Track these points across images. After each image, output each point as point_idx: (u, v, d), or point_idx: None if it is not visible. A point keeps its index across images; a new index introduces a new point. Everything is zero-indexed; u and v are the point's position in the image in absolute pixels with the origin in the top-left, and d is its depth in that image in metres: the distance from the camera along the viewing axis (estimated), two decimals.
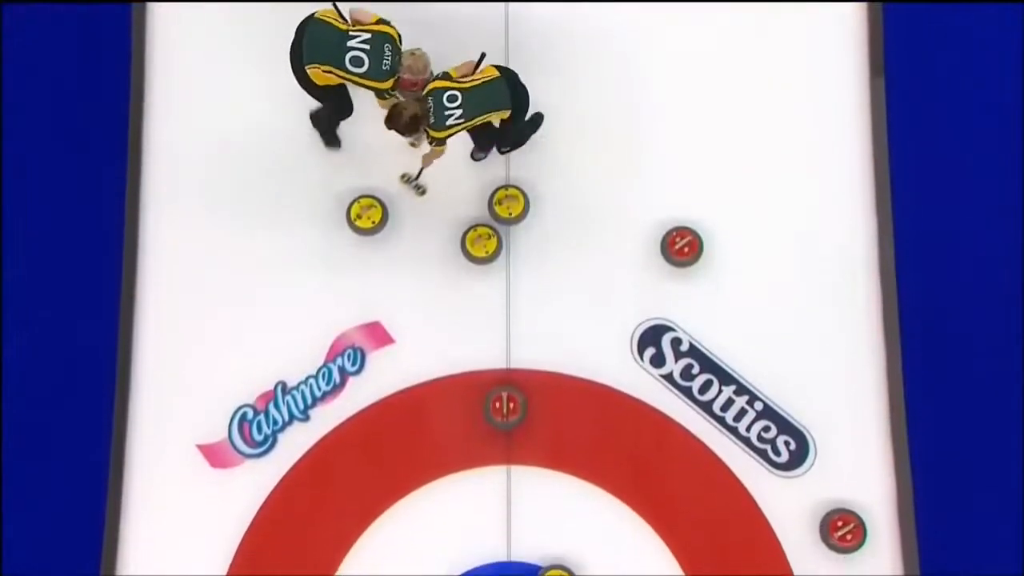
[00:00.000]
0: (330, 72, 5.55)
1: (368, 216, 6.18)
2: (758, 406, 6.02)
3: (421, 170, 6.02)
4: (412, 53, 5.57)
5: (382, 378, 6.06)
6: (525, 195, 6.17)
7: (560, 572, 5.82)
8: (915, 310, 6.13)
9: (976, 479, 5.96)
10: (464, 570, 5.88)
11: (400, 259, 6.12)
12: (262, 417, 6.02)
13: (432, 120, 5.53)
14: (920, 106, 6.31)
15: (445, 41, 5.94)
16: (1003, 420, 6.03)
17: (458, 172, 6.19)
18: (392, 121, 5.52)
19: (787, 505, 5.92)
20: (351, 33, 5.54)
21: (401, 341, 6.09)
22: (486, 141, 6.05)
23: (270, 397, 6.03)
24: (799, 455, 5.99)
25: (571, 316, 6.12)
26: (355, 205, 6.18)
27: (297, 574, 5.90)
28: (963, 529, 5.93)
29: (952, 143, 6.28)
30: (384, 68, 5.52)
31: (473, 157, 6.19)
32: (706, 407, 6.04)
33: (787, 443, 6.00)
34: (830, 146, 6.31)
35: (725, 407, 6.03)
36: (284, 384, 6.05)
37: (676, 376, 6.08)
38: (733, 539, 5.92)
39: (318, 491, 5.96)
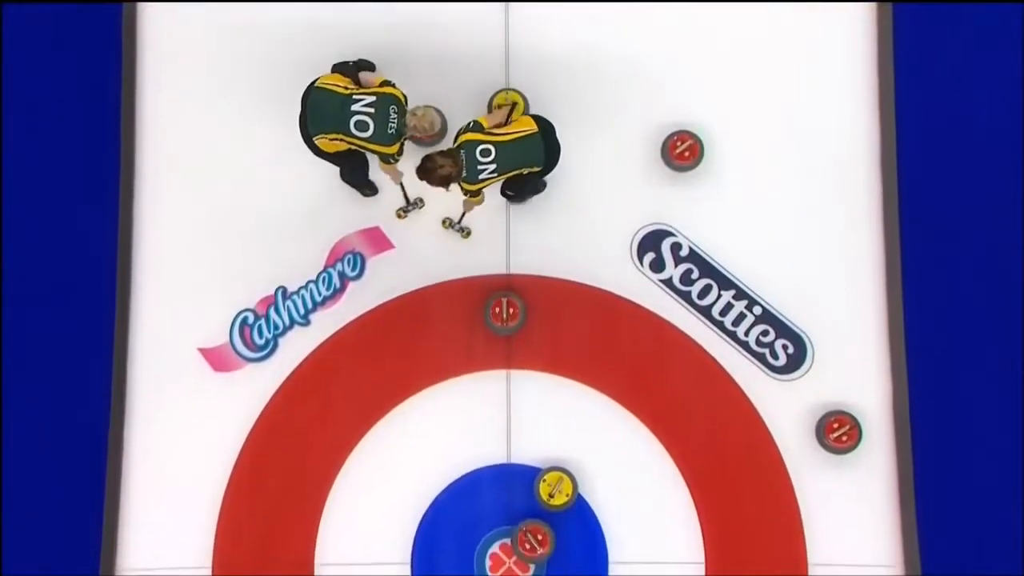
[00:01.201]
0: (336, 139, 5.43)
1: None
2: (757, 310, 6.03)
3: (463, 215, 5.97)
4: (414, 113, 5.38)
5: (382, 283, 6.07)
6: (525, 99, 6.10)
7: (559, 474, 5.87)
8: (916, 216, 6.10)
9: (972, 380, 5.99)
10: (464, 473, 5.95)
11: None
12: (263, 321, 6.04)
13: (465, 174, 5.39)
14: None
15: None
16: (1002, 323, 6.04)
17: (456, 80, 6.12)
18: (424, 175, 5.37)
19: (784, 408, 5.96)
20: (355, 97, 5.39)
21: (400, 247, 6.09)
22: (510, 187, 5.92)
23: (270, 302, 6.04)
24: (797, 359, 6.00)
25: (571, 222, 6.11)
26: None
27: (299, 477, 5.96)
28: (958, 431, 5.97)
29: (956, 38, 6.19)
30: (389, 132, 5.37)
31: (504, 194, 6.02)
32: (705, 312, 6.05)
33: (785, 347, 6.01)
34: (832, 49, 6.22)
35: (724, 311, 6.04)
36: (284, 289, 6.06)
37: (675, 281, 6.08)
38: (730, 441, 5.97)
39: (319, 395, 6.00)
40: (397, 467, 5.96)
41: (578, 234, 6.09)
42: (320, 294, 6.05)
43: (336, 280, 6.07)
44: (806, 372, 6.01)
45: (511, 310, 6.02)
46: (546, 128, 5.56)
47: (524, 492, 5.89)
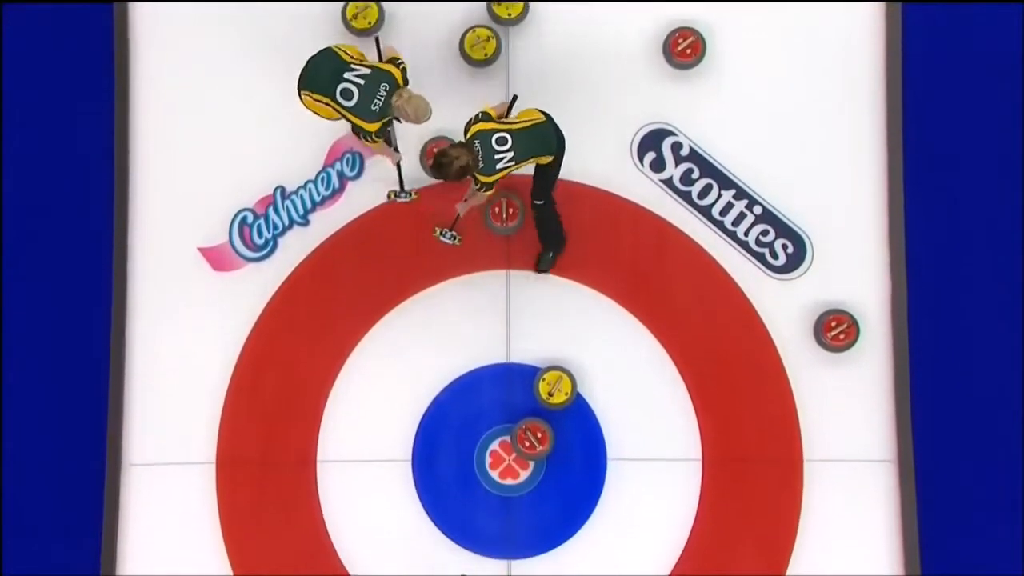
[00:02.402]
0: (321, 101, 5.27)
1: (364, 16, 6.03)
2: (757, 210, 6.00)
3: (457, 219, 5.75)
4: (401, 94, 5.20)
5: (381, 183, 6.02)
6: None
7: (558, 373, 5.89)
8: (921, 116, 6.05)
9: (971, 279, 6.00)
10: (464, 372, 5.97)
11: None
12: (262, 221, 6.02)
13: (481, 164, 5.19)
14: None
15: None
16: (1004, 222, 6.02)
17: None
18: (440, 171, 5.15)
19: (783, 307, 5.97)
20: (352, 66, 5.25)
21: (400, 145, 6.02)
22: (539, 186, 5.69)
23: (269, 201, 6.01)
24: (796, 258, 6.00)
25: (571, 121, 5.85)
26: (350, 6, 6.04)
27: (300, 375, 5.99)
28: (955, 331, 5.99)
29: None
30: (373, 108, 5.20)
31: (533, 206, 5.78)
32: (705, 211, 6.02)
33: (785, 246, 6.00)
34: None
35: (724, 211, 6.01)
36: (283, 188, 6.03)
37: (676, 181, 6.05)
38: (729, 340, 5.98)
39: (319, 295, 6.01)
40: (397, 366, 5.98)
41: (578, 133, 5.90)
42: (319, 194, 6.01)
43: (335, 180, 6.04)
44: (805, 271, 6.00)
45: (511, 210, 5.99)
46: (550, 118, 5.45)
47: (524, 391, 5.91)
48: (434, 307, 6.02)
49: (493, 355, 6.00)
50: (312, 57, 5.35)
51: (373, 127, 5.25)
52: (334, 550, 5.91)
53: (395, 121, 5.38)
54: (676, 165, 6.04)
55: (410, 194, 5.86)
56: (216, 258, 6.04)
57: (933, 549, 5.85)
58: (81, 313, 6.03)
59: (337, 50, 5.32)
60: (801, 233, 6.01)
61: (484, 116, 5.33)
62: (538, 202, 5.69)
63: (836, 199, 6.02)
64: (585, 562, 5.87)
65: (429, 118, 5.31)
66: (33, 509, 5.91)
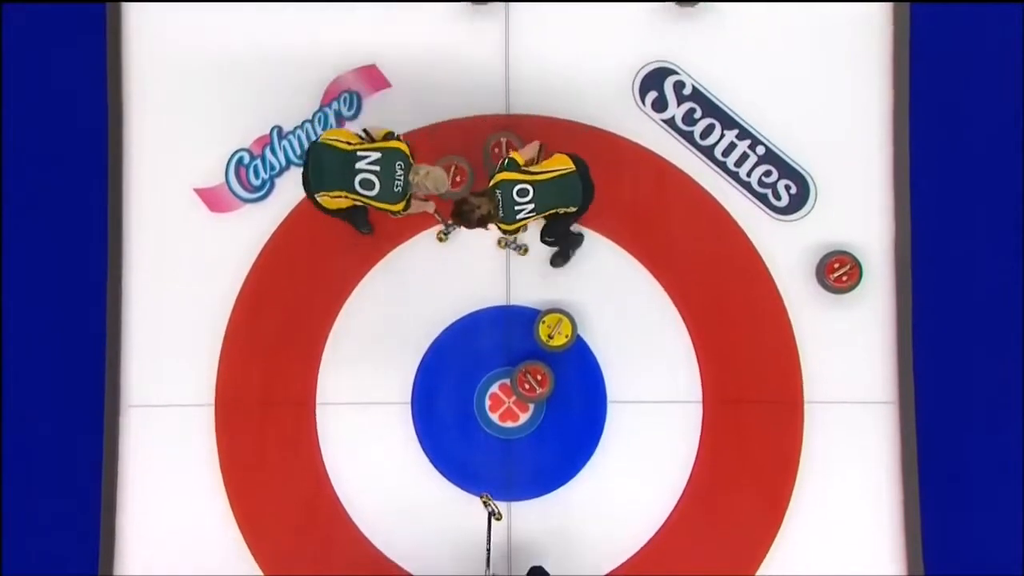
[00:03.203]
0: (340, 196, 5.24)
1: None
2: (760, 150, 5.93)
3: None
4: (417, 172, 5.18)
5: (379, 123, 5.74)
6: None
7: (558, 316, 5.86)
8: (927, 54, 5.96)
9: (973, 220, 5.94)
10: (464, 314, 5.94)
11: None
12: (259, 162, 5.94)
13: (502, 214, 5.20)
14: None
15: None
16: (1007, 165, 5.96)
17: None
18: (461, 219, 5.19)
19: (785, 248, 5.93)
20: (359, 153, 5.18)
21: (398, 85, 5.96)
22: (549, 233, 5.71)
23: (266, 142, 5.94)
24: (799, 199, 5.94)
25: (572, 60, 5.97)
26: None
27: (299, 317, 5.96)
28: (957, 272, 5.95)
29: None
30: (396, 190, 5.17)
31: (544, 241, 5.80)
32: (707, 152, 5.96)
33: (788, 187, 5.93)
34: None
35: (727, 152, 5.94)
36: (280, 128, 5.96)
37: (678, 121, 5.97)
38: (730, 282, 5.94)
39: (317, 236, 5.93)
40: (396, 308, 5.96)
41: (579, 73, 5.96)
42: (316, 134, 5.92)
43: (332, 119, 5.96)
44: (808, 213, 5.95)
45: (511, 150, 5.88)
46: (581, 166, 5.36)
47: (524, 334, 5.89)
48: (434, 249, 5.98)
49: (493, 297, 5.96)
50: (308, 156, 5.29)
51: (400, 207, 5.25)
52: (334, 491, 5.92)
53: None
54: (678, 105, 5.96)
55: (453, 225, 5.76)
56: (213, 199, 5.98)
57: (932, 491, 5.84)
58: (78, 257, 5.99)
59: (332, 143, 5.25)
60: (804, 174, 5.95)
61: (511, 164, 5.26)
62: (548, 239, 5.72)
63: (840, 139, 5.95)
64: (585, 504, 5.86)
65: (448, 187, 5.34)
66: (33, 451, 5.91)
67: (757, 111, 5.95)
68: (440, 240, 5.85)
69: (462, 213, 5.17)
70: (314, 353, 5.94)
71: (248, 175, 5.95)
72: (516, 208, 5.19)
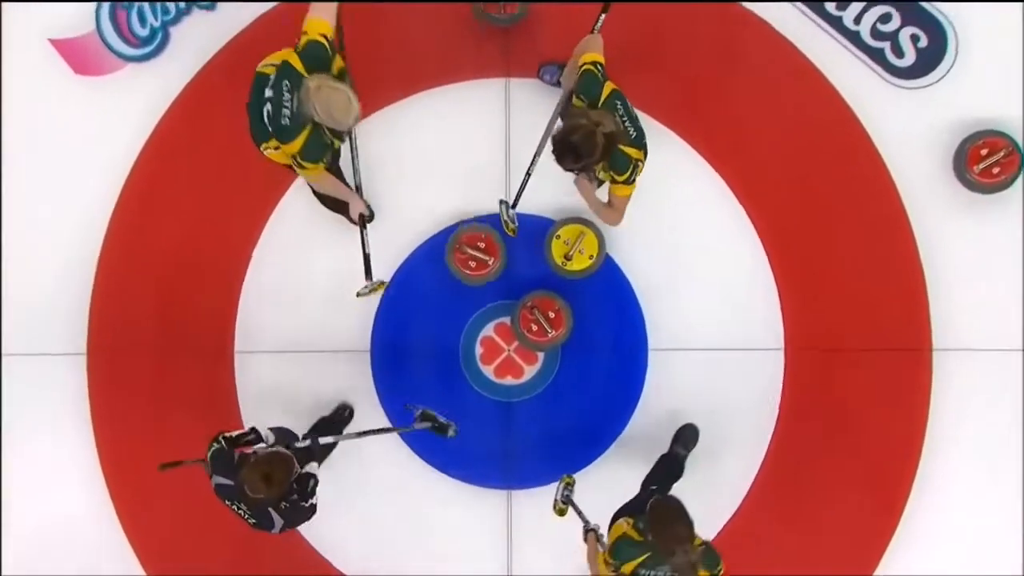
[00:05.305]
0: (269, 148, 4.05)
1: None
2: None
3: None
4: (307, 87, 3.77)
5: None
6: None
7: (580, 227, 4.80)
8: None
9: None
10: (444, 227, 4.86)
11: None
12: (144, 4, 4.84)
13: (633, 134, 3.88)
14: None
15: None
16: None
17: None
18: (575, 150, 3.73)
19: (909, 127, 4.86)
20: (268, 76, 4.00)
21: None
22: None
23: None
24: (932, 56, 4.82)
25: None
26: None
27: (207, 234, 4.88)
28: None
29: None
30: (283, 123, 3.85)
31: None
32: None
33: (915, 38, 4.80)
34: None
35: None
36: None
37: None
38: (826, 178, 4.86)
39: (234, 112, 4.43)
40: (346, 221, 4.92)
41: None
42: None
43: None
44: (944, 75, 4.83)
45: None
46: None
47: (531, 253, 4.90)
48: (406, 130, 4.90)
49: (486, 203, 4.82)
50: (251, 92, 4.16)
51: (295, 146, 3.90)
52: None
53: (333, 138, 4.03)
54: None
55: (376, 286, 4.51)
56: (78, 56, 4.92)
57: None
58: None
59: (260, 71, 4.06)
60: (940, 18, 4.83)
61: (602, 68, 3.98)
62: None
63: None
64: (614, 493, 4.58)
65: (355, 120, 3.93)
66: None
67: None
68: (359, 297, 4.59)
69: (572, 144, 3.77)
70: (230, 285, 4.95)
71: (130, 21, 4.88)
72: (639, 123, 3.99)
